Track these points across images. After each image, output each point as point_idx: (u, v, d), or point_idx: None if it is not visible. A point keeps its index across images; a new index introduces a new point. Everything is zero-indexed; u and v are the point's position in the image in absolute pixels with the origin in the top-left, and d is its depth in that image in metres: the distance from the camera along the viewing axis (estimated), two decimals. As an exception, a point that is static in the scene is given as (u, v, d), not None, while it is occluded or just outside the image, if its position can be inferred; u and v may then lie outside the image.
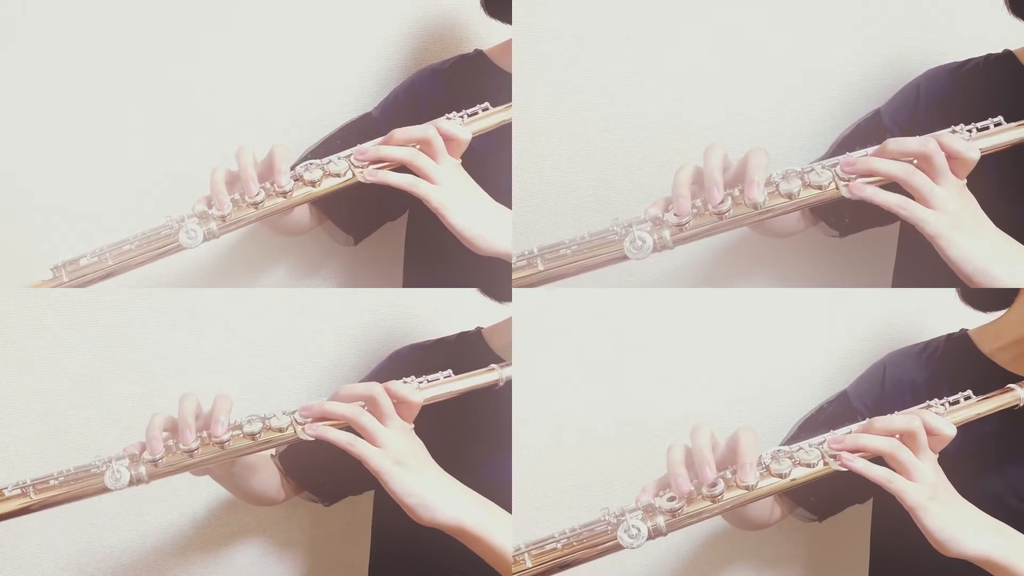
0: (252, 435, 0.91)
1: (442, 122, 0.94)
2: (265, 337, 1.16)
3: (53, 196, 1.15)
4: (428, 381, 0.94)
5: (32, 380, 1.14)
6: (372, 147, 0.94)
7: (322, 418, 0.91)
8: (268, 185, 0.93)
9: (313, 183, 0.93)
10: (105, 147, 1.15)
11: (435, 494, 0.88)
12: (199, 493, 1.17)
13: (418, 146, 0.94)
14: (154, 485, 1.14)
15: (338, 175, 0.94)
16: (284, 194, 0.93)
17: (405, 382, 0.93)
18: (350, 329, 1.17)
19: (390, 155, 0.93)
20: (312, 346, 1.17)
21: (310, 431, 0.91)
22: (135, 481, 0.92)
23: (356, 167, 0.94)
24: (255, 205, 0.93)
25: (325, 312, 1.17)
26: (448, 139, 0.94)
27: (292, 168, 0.94)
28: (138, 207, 1.15)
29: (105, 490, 0.92)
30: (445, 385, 0.95)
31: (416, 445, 0.91)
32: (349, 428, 0.90)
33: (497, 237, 0.94)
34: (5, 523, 1.13)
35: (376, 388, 0.90)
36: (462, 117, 0.96)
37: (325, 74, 1.16)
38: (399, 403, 0.91)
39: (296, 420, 0.92)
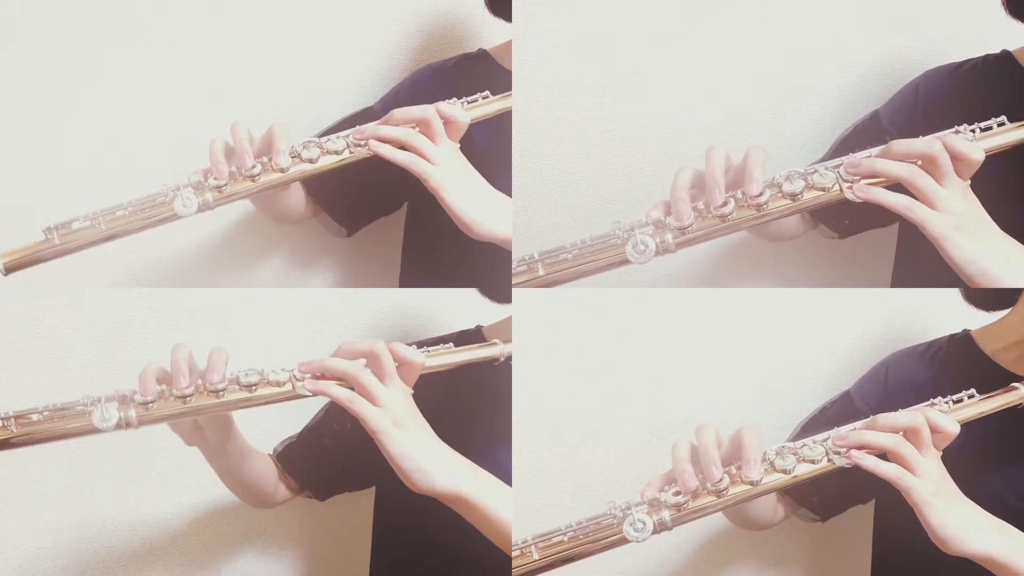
0: (249, 387, 0.88)
1: (442, 105, 0.94)
2: (265, 337, 1.16)
3: (54, 196, 1.14)
4: (430, 351, 0.93)
5: (32, 380, 1.13)
6: (371, 127, 0.94)
7: (322, 374, 0.89)
8: (266, 160, 0.93)
9: (311, 160, 0.93)
10: (104, 148, 1.14)
11: (432, 460, 0.87)
12: (200, 494, 1.17)
13: (417, 127, 0.94)
14: (155, 487, 1.15)
15: (336, 152, 0.94)
16: (282, 171, 0.93)
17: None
18: (350, 329, 1.17)
19: (389, 135, 0.93)
20: (312, 346, 1.17)
21: (309, 387, 0.89)
22: (123, 424, 0.87)
23: (355, 146, 0.94)
24: (252, 178, 0.93)
25: (325, 312, 1.17)
26: (447, 122, 0.94)
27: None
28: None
29: (93, 430, 0.87)
30: (447, 355, 0.94)
31: (414, 409, 0.89)
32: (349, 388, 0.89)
33: (494, 221, 0.93)
34: (8, 530, 1.13)
35: (379, 345, 0.89)
36: (462, 103, 0.96)
37: (325, 74, 1.16)
38: (401, 364, 0.89)
39: (295, 376, 0.90)
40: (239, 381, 0.88)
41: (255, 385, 0.88)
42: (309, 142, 0.94)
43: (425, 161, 0.92)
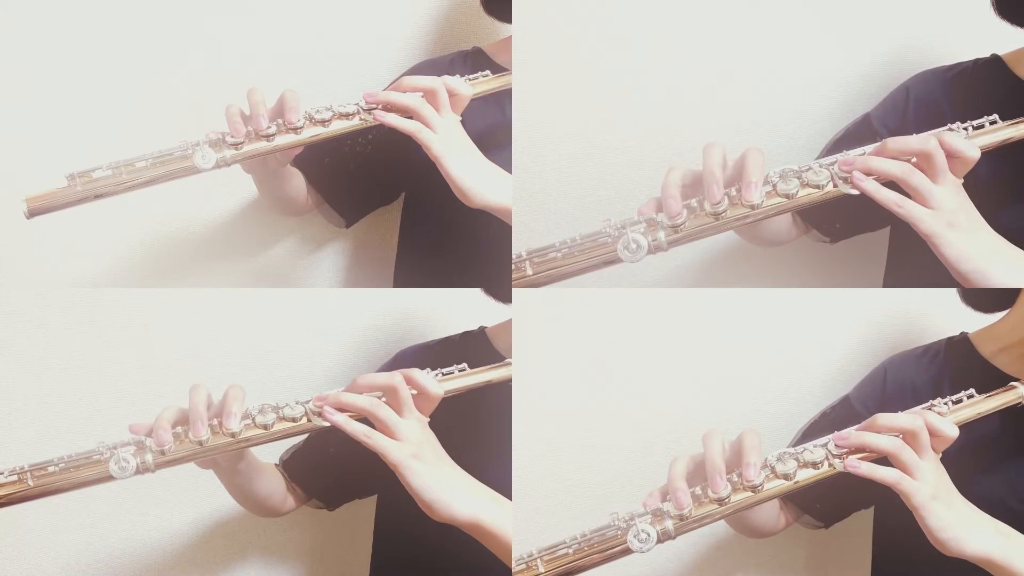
0: (265, 426, 0.90)
1: (447, 77, 0.97)
2: (266, 338, 1.16)
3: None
4: (444, 374, 0.94)
5: (32, 380, 1.14)
6: (381, 92, 0.97)
7: (338, 409, 0.90)
8: (280, 122, 0.95)
9: (324, 122, 0.95)
10: (102, 151, 1.15)
11: (452, 491, 0.88)
12: (202, 502, 1.17)
13: (423, 95, 0.96)
14: (157, 492, 1.15)
15: (347, 116, 0.96)
16: (296, 130, 0.95)
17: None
18: (351, 330, 1.18)
19: (397, 100, 0.95)
20: (313, 346, 1.17)
21: (327, 417, 0.89)
22: (141, 470, 0.88)
23: (365, 110, 0.96)
24: (267, 137, 0.95)
25: (326, 313, 1.17)
26: (451, 94, 0.97)
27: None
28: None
29: (109, 478, 0.88)
30: (462, 379, 0.94)
31: (432, 438, 0.90)
32: (363, 419, 0.89)
33: (490, 191, 0.95)
34: (8, 531, 1.13)
35: (397, 378, 0.89)
36: (465, 79, 0.99)
37: (323, 75, 1.16)
38: (418, 395, 0.90)
39: (310, 410, 0.91)
40: (254, 420, 0.90)
41: (270, 424, 0.90)
42: (322, 107, 0.96)
43: (429, 130, 0.95)
